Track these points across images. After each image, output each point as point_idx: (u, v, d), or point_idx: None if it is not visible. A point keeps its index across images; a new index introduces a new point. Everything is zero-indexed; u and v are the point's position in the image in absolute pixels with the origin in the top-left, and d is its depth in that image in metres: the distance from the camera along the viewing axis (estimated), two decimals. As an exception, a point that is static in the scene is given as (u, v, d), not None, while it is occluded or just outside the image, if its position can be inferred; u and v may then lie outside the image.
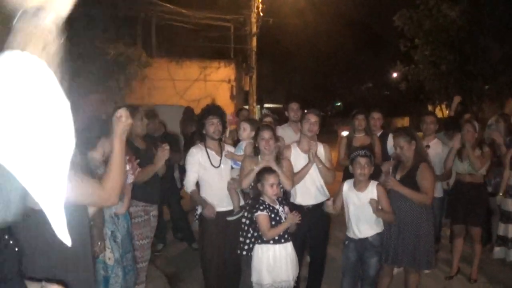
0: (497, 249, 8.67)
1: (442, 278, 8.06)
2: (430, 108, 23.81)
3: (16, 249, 2.36)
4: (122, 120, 3.51)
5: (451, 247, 8.32)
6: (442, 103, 21.79)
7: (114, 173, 3.34)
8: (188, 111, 11.42)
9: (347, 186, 6.28)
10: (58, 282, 2.53)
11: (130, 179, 5.16)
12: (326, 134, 8.71)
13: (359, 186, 6.14)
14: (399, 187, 6.18)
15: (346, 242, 6.34)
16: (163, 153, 6.34)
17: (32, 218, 2.95)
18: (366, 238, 6.09)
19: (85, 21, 20.49)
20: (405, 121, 27.37)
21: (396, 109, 36.12)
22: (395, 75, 28.76)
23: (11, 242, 2.33)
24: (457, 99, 10.63)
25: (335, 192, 6.51)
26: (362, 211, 6.06)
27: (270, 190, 5.66)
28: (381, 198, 6.01)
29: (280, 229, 5.59)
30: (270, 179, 5.68)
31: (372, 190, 6.07)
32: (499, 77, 19.55)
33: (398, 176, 6.32)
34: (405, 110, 35.13)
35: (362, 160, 6.03)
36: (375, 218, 6.06)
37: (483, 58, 19.71)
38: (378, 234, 6.12)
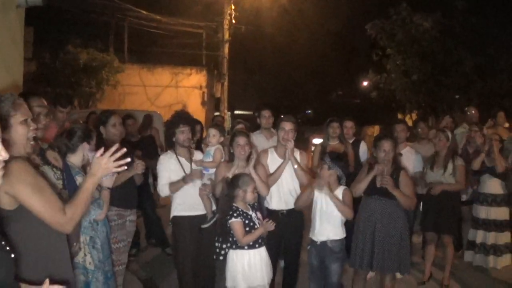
0: (466, 253, 8.92)
1: (414, 283, 8.11)
2: (400, 116, 24.01)
3: (12, 256, 2.42)
4: (102, 163, 3.52)
5: (423, 253, 8.42)
6: (412, 112, 21.97)
7: (78, 205, 3.40)
8: (148, 117, 11.51)
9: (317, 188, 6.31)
10: (61, 282, 2.56)
11: (109, 183, 5.15)
12: (297, 142, 8.75)
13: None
14: (394, 188, 6.24)
15: (309, 247, 6.39)
16: (138, 167, 6.35)
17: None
18: (326, 243, 6.13)
19: (57, 25, 20.48)
20: (375, 129, 27.43)
21: (366, 118, 36.31)
22: (365, 83, 28.91)
23: (7, 248, 2.39)
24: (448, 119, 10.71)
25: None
26: (327, 212, 6.12)
27: (251, 196, 5.70)
28: (346, 200, 6.09)
29: (254, 235, 5.62)
30: (251, 185, 5.72)
31: (339, 193, 6.13)
32: (471, 87, 19.82)
33: (378, 183, 6.34)
34: (375, 119, 35.29)
35: (321, 164, 6.22)
36: (337, 222, 6.14)
37: (455, 68, 19.96)
38: (337, 240, 6.15)
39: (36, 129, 3.58)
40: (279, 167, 6.56)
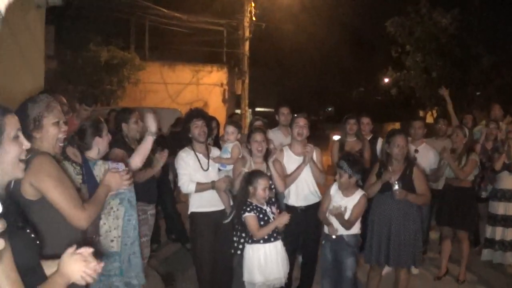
0: (484, 251, 8.85)
1: (430, 279, 8.20)
2: (421, 113, 23.95)
3: (37, 242, 2.55)
4: (113, 180, 3.90)
5: (440, 248, 8.46)
6: (433, 109, 21.91)
7: (96, 205, 3.69)
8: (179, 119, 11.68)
9: (335, 188, 6.38)
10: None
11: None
12: (318, 139, 8.78)
13: (345, 192, 6.26)
14: (408, 196, 6.27)
15: (323, 242, 6.46)
16: (162, 157, 6.47)
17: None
18: (342, 237, 6.20)
19: (78, 23, 20.61)
20: (396, 126, 27.35)
21: (387, 115, 36.19)
22: (386, 80, 28.79)
23: (32, 235, 2.52)
24: (446, 92, 10.71)
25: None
26: (345, 214, 6.15)
27: (262, 193, 5.75)
28: (357, 207, 6.15)
29: (269, 228, 5.70)
30: (263, 183, 5.77)
31: (356, 198, 6.19)
32: (489, 84, 19.75)
33: (395, 180, 6.35)
34: (396, 116, 35.16)
35: (338, 171, 6.22)
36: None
37: (473, 65, 19.89)
38: (354, 235, 6.24)
39: (65, 131, 3.74)
40: (297, 168, 6.66)
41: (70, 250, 2.51)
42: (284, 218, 5.72)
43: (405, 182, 6.34)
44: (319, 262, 7.02)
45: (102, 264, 2.58)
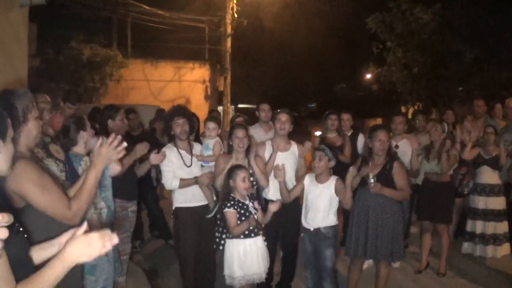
0: (465, 244, 9.01)
1: (411, 272, 8.30)
2: (403, 109, 24.06)
3: (25, 236, 2.61)
4: (103, 153, 3.61)
5: (421, 242, 8.56)
6: (415, 105, 22.03)
7: (83, 198, 3.51)
8: (160, 111, 11.75)
9: (309, 179, 6.48)
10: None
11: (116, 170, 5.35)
12: (300, 135, 8.86)
13: (319, 179, 6.35)
14: (383, 190, 6.34)
15: (302, 235, 6.55)
16: (142, 146, 6.50)
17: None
18: (319, 229, 6.28)
19: (60, 21, 20.56)
20: (377, 122, 27.47)
21: (369, 110, 36.31)
22: (368, 76, 28.91)
23: (21, 229, 2.57)
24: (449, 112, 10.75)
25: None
26: (318, 202, 6.27)
27: (242, 184, 5.85)
28: (339, 191, 6.23)
29: (243, 227, 5.78)
30: (241, 174, 5.87)
31: (331, 184, 6.29)
32: (471, 80, 19.88)
33: (371, 175, 6.43)
34: (378, 111, 35.31)
35: (317, 154, 6.28)
36: (330, 210, 6.29)
37: (454, 61, 20.02)
38: (331, 226, 6.31)
39: (42, 125, 3.75)
40: (269, 157, 6.75)
41: (78, 232, 2.47)
42: (252, 222, 5.80)
43: (384, 176, 6.43)
44: (299, 256, 7.12)
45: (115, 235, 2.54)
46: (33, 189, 3.28)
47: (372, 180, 6.26)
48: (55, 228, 3.37)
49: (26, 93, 3.53)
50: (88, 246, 2.43)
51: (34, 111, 3.56)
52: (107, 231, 2.49)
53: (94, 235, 2.44)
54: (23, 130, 3.48)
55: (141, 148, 6.48)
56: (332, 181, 6.31)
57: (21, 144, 3.47)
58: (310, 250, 6.41)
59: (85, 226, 2.51)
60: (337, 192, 6.24)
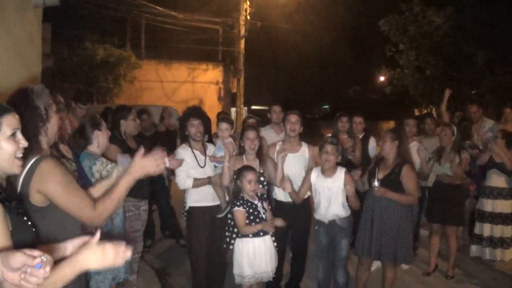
0: (473, 247, 9.01)
1: (420, 274, 8.32)
2: (416, 112, 24.05)
3: (34, 229, 2.68)
4: (143, 165, 3.48)
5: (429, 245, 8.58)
6: (428, 108, 22.00)
7: (111, 202, 3.38)
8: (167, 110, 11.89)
9: (315, 174, 6.56)
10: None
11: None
12: (313, 137, 8.89)
13: (327, 173, 6.44)
14: (387, 193, 6.38)
15: (316, 227, 6.64)
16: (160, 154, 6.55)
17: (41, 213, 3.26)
18: (334, 221, 6.41)
19: (75, 21, 20.68)
20: (390, 125, 27.58)
21: (382, 113, 36.34)
22: (382, 79, 28.89)
23: (29, 223, 2.64)
24: (447, 92, 10.75)
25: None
26: (331, 196, 6.38)
27: (248, 186, 5.94)
28: (348, 183, 6.33)
29: (255, 228, 5.89)
30: (248, 176, 5.96)
31: (340, 176, 6.40)
32: (483, 82, 19.86)
33: (380, 176, 6.52)
34: (391, 114, 35.31)
35: (329, 147, 6.35)
36: (342, 201, 6.42)
37: (467, 64, 20.00)
38: (345, 218, 6.46)
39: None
40: (277, 159, 6.67)
41: (93, 240, 2.51)
42: (267, 225, 5.89)
43: (391, 180, 6.47)
44: (308, 256, 7.19)
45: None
46: (60, 188, 3.24)
47: (376, 183, 6.33)
48: (71, 231, 3.41)
49: (44, 89, 3.51)
50: (102, 256, 2.49)
51: (53, 106, 3.57)
52: (122, 244, 2.55)
53: (109, 246, 2.50)
54: (47, 127, 3.49)
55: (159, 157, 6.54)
56: (341, 172, 6.42)
57: (44, 142, 3.51)
58: (325, 243, 6.53)
59: (98, 234, 2.56)
60: (346, 183, 6.34)
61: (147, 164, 3.47)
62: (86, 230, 3.65)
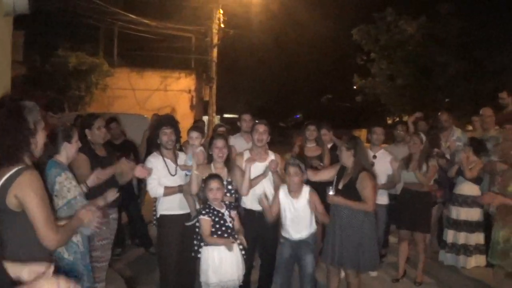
0: (441, 252, 9.14)
1: (388, 281, 8.37)
2: (388, 120, 24.21)
3: None
4: (87, 217, 4.07)
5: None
6: (400, 116, 22.14)
7: (66, 233, 3.75)
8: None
9: (283, 192, 6.56)
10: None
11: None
12: (284, 145, 8.88)
13: (293, 193, 6.47)
14: (339, 201, 6.44)
15: (282, 241, 6.67)
16: (125, 164, 6.56)
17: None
18: (301, 238, 6.46)
19: (47, 29, 20.60)
20: (362, 133, 27.59)
21: (355, 121, 36.53)
22: (355, 87, 29.12)
23: None
24: (418, 114, 10.89)
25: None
26: (298, 216, 6.43)
27: (210, 194, 5.98)
28: (315, 201, 6.39)
29: (217, 240, 5.91)
30: (210, 184, 5.99)
31: (305, 195, 6.43)
32: (455, 90, 20.05)
33: (341, 185, 6.58)
34: (364, 122, 35.51)
35: (291, 169, 6.38)
36: (309, 220, 6.46)
37: (439, 72, 20.19)
38: (311, 233, 6.50)
39: None
40: (256, 177, 6.79)
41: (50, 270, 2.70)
42: (228, 242, 5.92)
43: (350, 187, 6.51)
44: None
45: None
46: (36, 200, 3.40)
47: (331, 192, 6.41)
48: (35, 243, 3.47)
49: (35, 106, 3.65)
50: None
51: (41, 123, 3.69)
52: (73, 281, 2.64)
53: (63, 280, 2.58)
54: (33, 141, 3.60)
55: (124, 165, 6.54)
56: (306, 192, 6.45)
57: (29, 154, 3.60)
58: (287, 256, 6.54)
59: (52, 267, 2.73)
60: (313, 201, 6.39)
61: (88, 219, 4.09)
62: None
